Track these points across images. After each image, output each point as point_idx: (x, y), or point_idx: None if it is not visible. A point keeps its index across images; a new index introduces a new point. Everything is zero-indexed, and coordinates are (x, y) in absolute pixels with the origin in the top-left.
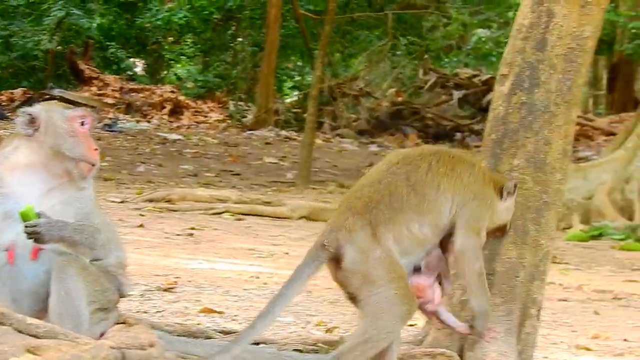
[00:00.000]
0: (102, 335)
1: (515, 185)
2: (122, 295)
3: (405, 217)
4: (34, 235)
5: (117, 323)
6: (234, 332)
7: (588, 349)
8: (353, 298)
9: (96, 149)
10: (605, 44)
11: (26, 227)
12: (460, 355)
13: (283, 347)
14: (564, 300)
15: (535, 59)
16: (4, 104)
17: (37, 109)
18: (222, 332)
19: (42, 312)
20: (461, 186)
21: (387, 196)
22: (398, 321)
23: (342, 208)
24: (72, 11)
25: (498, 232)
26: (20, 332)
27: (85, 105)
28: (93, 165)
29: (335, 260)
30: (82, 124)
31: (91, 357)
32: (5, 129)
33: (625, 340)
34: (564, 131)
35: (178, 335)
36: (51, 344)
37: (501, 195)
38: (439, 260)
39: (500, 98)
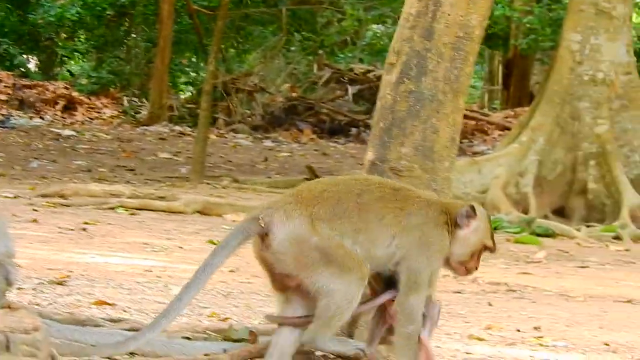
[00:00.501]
0: None
1: (472, 208)
2: (9, 284)
3: (342, 227)
4: None
5: (2, 308)
6: (123, 320)
7: (481, 339)
8: (277, 279)
9: None
10: (500, 39)
11: None
12: (350, 336)
13: (173, 335)
14: (458, 292)
15: (422, 47)
16: None
17: None
18: (111, 320)
19: None
20: (407, 228)
21: (334, 200)
22: (354, 288)
23: (289, 193)
24: None
25: (485, 251)
26: None
27: None
28: None
29: (263, 238)
30: None
31: None
32: None
33: (518, 330)
34: (451, 119)
35: (68, 324)
36: None
37: (458, 225)
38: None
39: (388, 87)
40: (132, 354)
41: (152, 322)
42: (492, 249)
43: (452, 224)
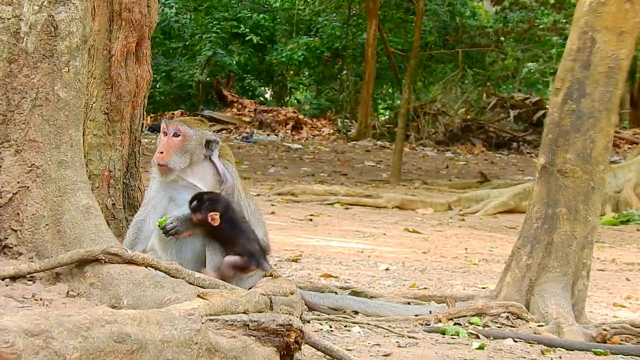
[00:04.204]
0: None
1: None
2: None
3: None
4: (171, 232)
5: (265, 276)
6: (352, 288)
7: (623, 306)
8: None
9: (161, 152)
10: (628, 74)
11: (163, 229)
12: (527, 307)
13: (389, 300)
14: (601, 270)
15: (582, 75)
16: None
17: None
18: (341, 288)
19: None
20: None
21: None
22: None
23: None
24: (217, 51)
25: None
26: (190, 283)
27: (227, 122)
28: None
29: None
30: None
31: (246, 301)
32: None
33: None
34: (605, 132)
35: (308, 290)
36: (215, 292)
37: None
38: None
39: (555, 106)
40: (356, 312)
41: None
42: None
43: None
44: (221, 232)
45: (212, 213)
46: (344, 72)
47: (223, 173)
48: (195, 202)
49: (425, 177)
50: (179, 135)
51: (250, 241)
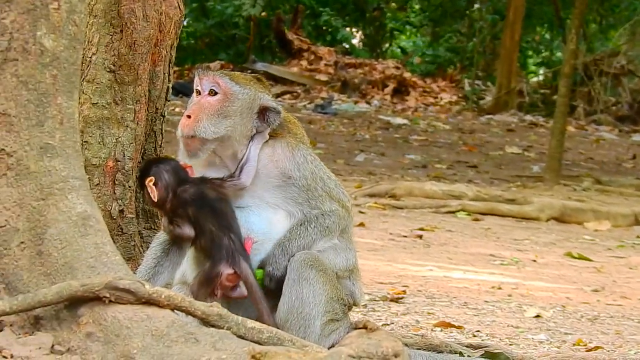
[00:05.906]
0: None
1: None
2: (354, 304)
3: None
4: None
5: (356, 328)
6: (485, 347)
7: None
8: None
9: (188, 116)
10: None
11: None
12: None
13: None
14: None
15: None
16: None
17: None
18: (469, 346)
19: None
20: None
21: None
22: None
23: None
24: None
25: None
26: (240, 337)
27: (292, 82)
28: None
29: None
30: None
31: None
32: None
33: None
34: None
35: (419, 349)
36: (278, 350)
37: None
38: None
39: None
40: None
41: None
42: None
43: None
44: (171, 210)
45: (147, 179)
46: (476, 6)
47: (245, 164)
48: (139, 173)
49: (599, 172)
50: (217, 93)
51: (222, 229)
